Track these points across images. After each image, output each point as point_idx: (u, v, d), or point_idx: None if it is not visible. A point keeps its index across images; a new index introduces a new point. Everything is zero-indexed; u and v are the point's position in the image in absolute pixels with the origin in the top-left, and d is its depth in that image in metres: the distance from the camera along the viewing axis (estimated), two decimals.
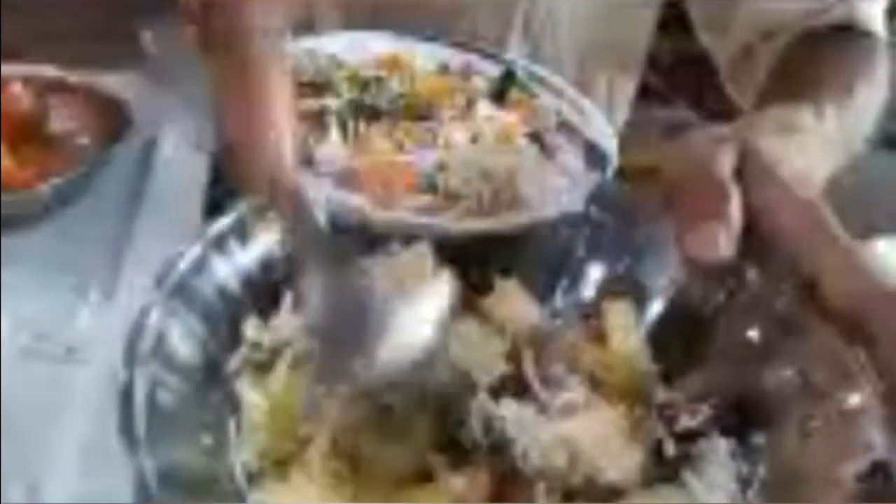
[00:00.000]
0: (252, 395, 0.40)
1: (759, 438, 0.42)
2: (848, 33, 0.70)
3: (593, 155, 0.65)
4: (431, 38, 0.75)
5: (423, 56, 0.74)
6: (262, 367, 0.41)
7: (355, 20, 0.77)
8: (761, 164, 0.44)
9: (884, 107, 0.67)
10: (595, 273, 0.49)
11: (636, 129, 0.88)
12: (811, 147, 0.50)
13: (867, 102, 0.63)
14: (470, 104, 0.68)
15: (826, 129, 0.53)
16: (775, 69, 0.71)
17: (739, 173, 0.43)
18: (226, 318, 0.42)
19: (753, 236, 0.42)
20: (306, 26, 0.74)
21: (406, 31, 0.74)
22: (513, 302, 0.46)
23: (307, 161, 0.61)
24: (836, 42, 0.70)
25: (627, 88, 0.89)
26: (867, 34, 0.71)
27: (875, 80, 0.66)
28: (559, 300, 0.49)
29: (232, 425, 0.39)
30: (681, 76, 0.84)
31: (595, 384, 0.42)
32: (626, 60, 0.88)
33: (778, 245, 0.42)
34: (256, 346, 0.41)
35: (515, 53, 0.79)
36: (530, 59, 0.77)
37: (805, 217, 0.43)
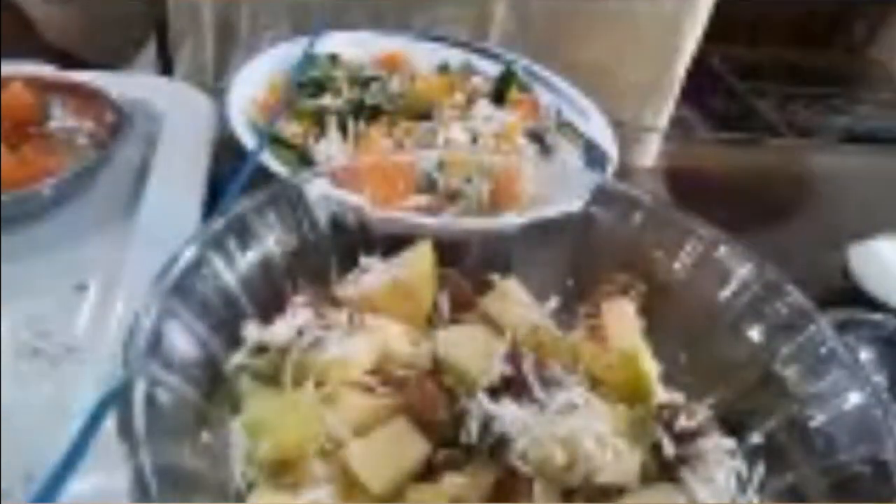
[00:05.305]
0: (252, 398, 0.40)
1: (758, 438, 0.42)
2: None
3: (593, 155, 0.65)
4: (431, 38, 0.76)
5: (423, 56, 0.74)
6: (263, 370, 0.41)
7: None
8: None
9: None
10: (595, 273, 0.49)
11: None
12: None
13: None
14: (470, 104, 0.68)
15: None
16: None
17: None
18: (226, 318, 0.41)
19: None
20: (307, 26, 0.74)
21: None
22: (513, 302, 0.46)
23: (307, 161, 0.61)
24: None
25: None
26: None
27: None
28: (559, 300, 0.49)
29: (232, 425, 0.39)
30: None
31: (595, 384, 0.42)
32: None
33: None
34: (257, 349, 0.41)
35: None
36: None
37: None
